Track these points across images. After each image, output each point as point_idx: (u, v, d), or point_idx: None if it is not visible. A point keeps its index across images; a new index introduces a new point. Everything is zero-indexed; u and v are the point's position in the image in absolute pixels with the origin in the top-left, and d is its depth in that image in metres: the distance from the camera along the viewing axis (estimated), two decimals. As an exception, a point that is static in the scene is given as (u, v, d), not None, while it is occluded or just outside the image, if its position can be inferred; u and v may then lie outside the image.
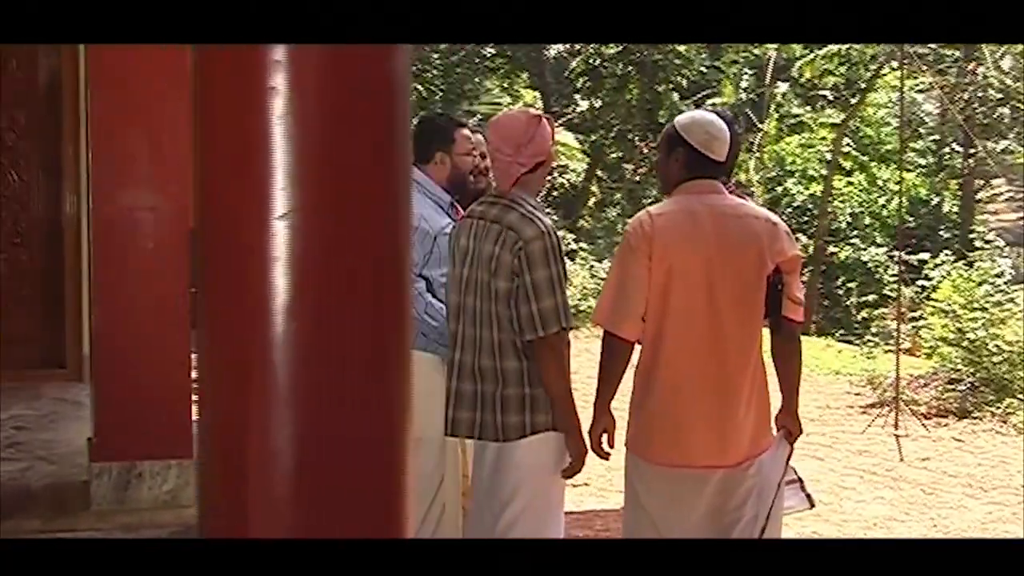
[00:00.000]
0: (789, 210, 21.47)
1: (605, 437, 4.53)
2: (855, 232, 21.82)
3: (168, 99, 4.78)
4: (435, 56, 20.95)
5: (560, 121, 23.90)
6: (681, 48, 20.74)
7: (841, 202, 22.05)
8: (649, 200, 20.03)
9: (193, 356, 4.91)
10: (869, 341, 14.37)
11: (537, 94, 24.63)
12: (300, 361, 1.72)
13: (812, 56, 20.09)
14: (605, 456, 4.55)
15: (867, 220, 22.12)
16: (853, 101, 21.58)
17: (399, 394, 1.85)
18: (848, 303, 20.15)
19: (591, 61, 22.20)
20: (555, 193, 21.96)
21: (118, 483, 4.77)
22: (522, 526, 4.48)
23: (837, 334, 17.96)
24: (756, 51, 22.05)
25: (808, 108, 22.43)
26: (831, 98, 22.68)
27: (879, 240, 21.39)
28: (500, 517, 4.52)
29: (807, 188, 22.09)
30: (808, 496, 4.90)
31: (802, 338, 4.85)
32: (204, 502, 1.87)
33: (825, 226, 20.77)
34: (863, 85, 21.04)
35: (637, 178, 21.54)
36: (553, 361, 4.35)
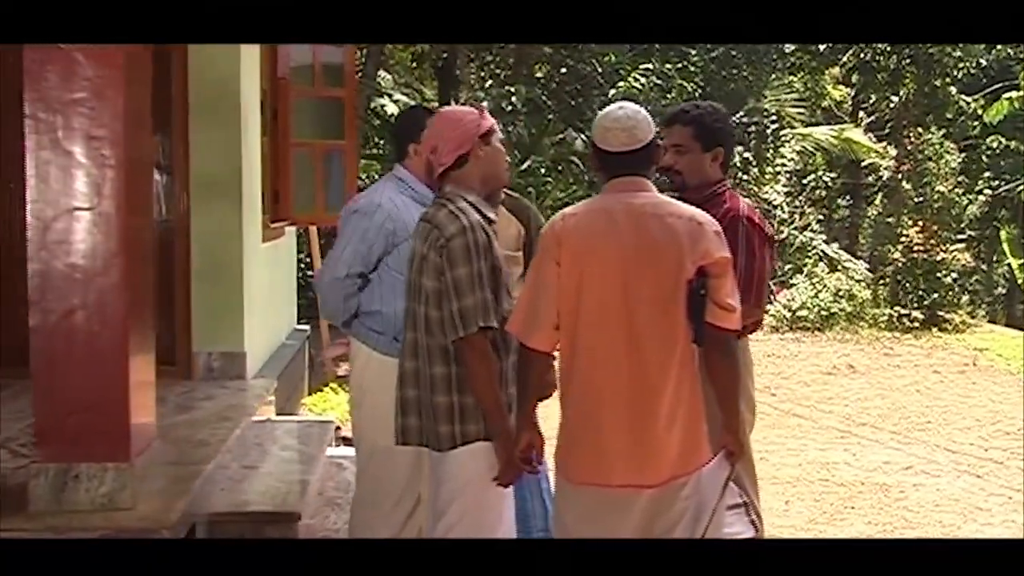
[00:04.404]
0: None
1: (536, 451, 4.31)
2: None
3: (105, 98, 4.65)
4: (692, 53, 20.41)
5: (872, 118, 23.01)
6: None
7: None
8: (918, 199, 18.97)
9: (131, 359, 4.85)
10: None
11: (849, 91, 23.88)
12: None
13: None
14: (532, 471, 4.34)
15: None
16: None
17: None
18: None
19: (861, 55, 21.21)
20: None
21: (55, 484, 4.67)
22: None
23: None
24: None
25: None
26: None
27: None
28: (435, 529, 4.41)
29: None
30: (753, 522, 4.47)
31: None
32: None
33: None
34: None
35: (899, 175, 20.33)
36: (477, 362, 4.18)
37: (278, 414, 8.20)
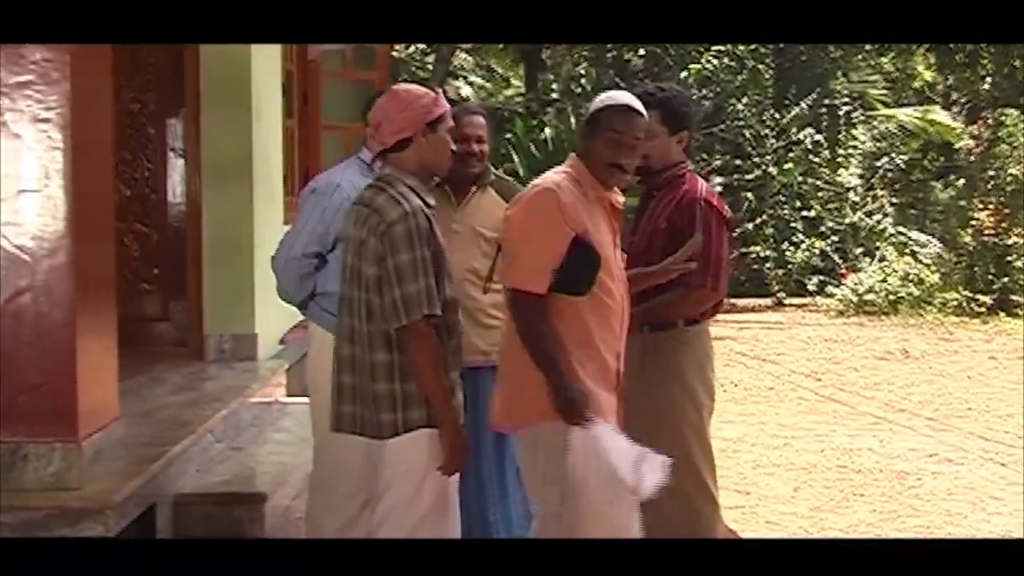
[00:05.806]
0: None
1: None
2: None
3: (52, 81, 4.68)
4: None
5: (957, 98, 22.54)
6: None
7: None
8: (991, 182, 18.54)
9: (83, 340, 4.88)
10: None
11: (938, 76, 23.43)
12: None
13: None
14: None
15: None
16: None
17: None
18: None
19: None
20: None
21: (4, 463, 4.71)
22: (388, 528, 4.25)
23: None
24: None
25: None
26: None
27: None
28: (372, 517, 4.35)
29: None
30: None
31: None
32: None
33: None
34: None
35: (972, 157, 19.86)
36: (421, 350, 4.11)
37: (290, 395, 8.20)
